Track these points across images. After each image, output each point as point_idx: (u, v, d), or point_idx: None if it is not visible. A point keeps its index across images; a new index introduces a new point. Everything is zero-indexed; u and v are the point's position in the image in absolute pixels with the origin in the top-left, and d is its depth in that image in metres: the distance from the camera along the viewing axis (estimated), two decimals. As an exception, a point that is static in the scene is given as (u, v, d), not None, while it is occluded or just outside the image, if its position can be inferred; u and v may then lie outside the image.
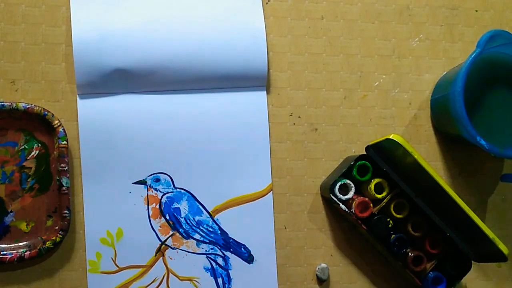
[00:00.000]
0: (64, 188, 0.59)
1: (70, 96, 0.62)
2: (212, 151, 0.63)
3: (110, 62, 0.60)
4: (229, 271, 0.62)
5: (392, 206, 0.60)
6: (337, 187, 0.59)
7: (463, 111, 0.58)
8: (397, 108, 0.66)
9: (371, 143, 0.59)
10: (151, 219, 0.62)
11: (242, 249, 0.63)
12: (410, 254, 0.60)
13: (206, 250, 0.62)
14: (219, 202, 0.63)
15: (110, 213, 0.61)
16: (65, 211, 0.59)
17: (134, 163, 0.62)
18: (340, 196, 0.59)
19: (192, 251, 0.62)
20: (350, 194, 0.60)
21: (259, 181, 0.63)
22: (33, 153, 0.60)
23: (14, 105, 0.59)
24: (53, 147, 0.60)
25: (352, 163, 0.59)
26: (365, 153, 0.60)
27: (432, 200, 0.59)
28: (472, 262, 0.60)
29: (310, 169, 0.64)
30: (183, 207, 0.62)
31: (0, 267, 0.60)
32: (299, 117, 0.65)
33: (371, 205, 0.59)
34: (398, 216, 0.59)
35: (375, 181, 0.59)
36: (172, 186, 0.62)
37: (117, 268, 0.61)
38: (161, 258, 0.62)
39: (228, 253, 0.62)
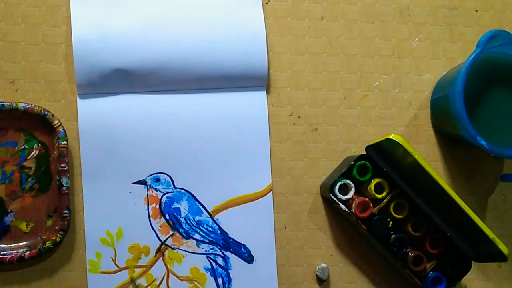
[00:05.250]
0: (64, 188, 0.59)
1: (70, 96, 0.62)
2: (212, 151, 0.63)
3: (110, 62, 0.60)
4: (229, 271, 0.62)
5: (392, 206, 0.60)
6: (337, 187, 0.59)
7: (463, 111, 0.58)
8: (397, 108, 0.66)
9: (371, 143, 0.59)
10: (151, 219, 0.62)
11: (242, 249, 0.63)
12: (410, 254, 0.60)
13: (206, 250, 0.62)
14: (219, 202, 0.63)
15: (110, 213, 0.61)
16: (65, 211, 0.59)
17: (134, 163, 0.62)
18: (340, 196, 0.59)
19: (192, 251, 0.62)
20: (350, 194, 0.60)
21: (259, 181, 0.63)
22: (33, 153, 0.60)
23: (14, 105, 0.59)
24: (53, 147, 0.60)
25: (352, 163, 0.59)
26: (365, 153, 0.60)
27: (432, 200, 0.59)
28: (472, 262, 0.60)
29: (310, 169, 0.64)
30: (183, 207, 0.62)
31: (0, 267, 0.60)
32: (299, 117, 0.65)
33: (371, 205, 0.59)
34: (398, 216, 0.59)
35: (375, 181, 0.59)
36: (172, 186, 0.62)
37: (117, 268, 0.61)
38: (161, 258, 0.62)
39: (228, 253, 0.62)
